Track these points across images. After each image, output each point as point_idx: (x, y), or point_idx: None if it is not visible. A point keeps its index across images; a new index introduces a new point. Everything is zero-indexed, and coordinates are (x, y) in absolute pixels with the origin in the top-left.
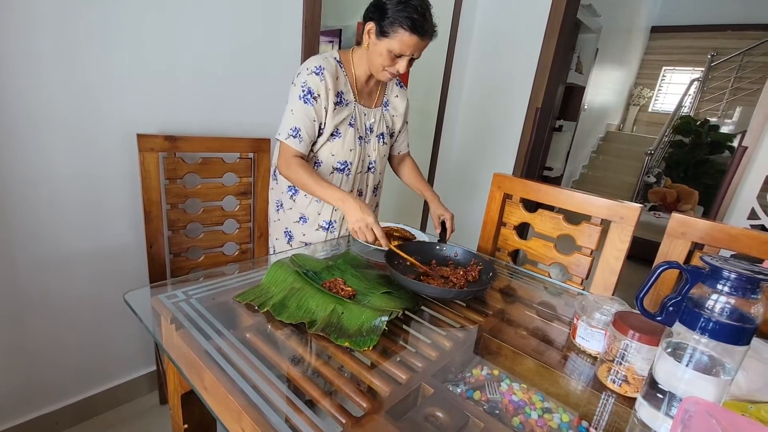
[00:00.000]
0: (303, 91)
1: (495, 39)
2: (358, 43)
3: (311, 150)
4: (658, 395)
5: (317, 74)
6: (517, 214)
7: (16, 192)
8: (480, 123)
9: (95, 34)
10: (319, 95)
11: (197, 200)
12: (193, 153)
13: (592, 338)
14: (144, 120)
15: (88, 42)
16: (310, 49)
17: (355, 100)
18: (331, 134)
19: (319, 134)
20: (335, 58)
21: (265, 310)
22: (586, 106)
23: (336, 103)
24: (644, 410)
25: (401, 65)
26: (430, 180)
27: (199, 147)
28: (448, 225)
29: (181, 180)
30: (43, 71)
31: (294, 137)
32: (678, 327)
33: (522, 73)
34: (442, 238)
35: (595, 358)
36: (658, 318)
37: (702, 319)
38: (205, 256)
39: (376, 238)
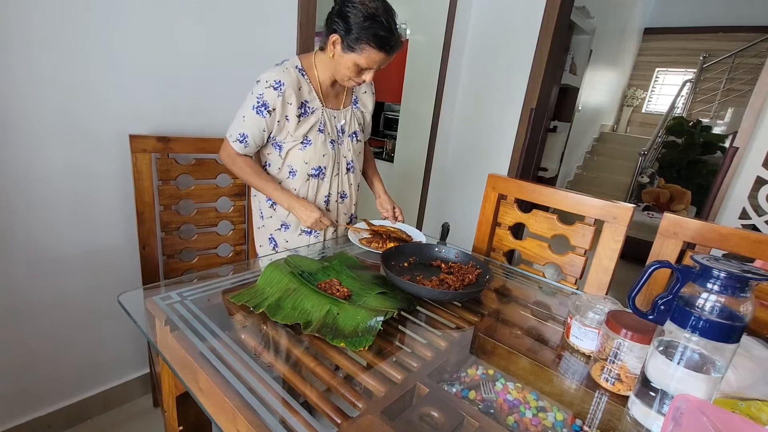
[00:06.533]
0: (258, 102)
1: (490, 40)
2: (322, 49)
3: (282, 157)
4: (651, 393)
5: (275, 89)
6: (512, 215)
7: (7, 192)
8: (475, 124)
9: (89, 34)
10: (273, 110)
11: (191, 201)
12: (187, 154)
13: (585, 337)
14: (136, 120)
15: (82, 41)
16: (305, 50)
17: (322, 105)
18: (301, 142)
19: (268, 140)
20: (296, 67)
21: (261, 311)
22: (580, 107)
23: (300, 115)
24: (637, 408)
25: (367, 77)
26: (426, 181)
27: (192, 148)
28: (399, 216)
29: (174, 181)
30: (36, 71)
31: (240, 142)
32: (669, 325)
33: (516, 74)
34: (443, 238)
35: (589, 357)
36: (650, 317)
37: (693, 318)
38: (199, 257)
39: (371, 238)
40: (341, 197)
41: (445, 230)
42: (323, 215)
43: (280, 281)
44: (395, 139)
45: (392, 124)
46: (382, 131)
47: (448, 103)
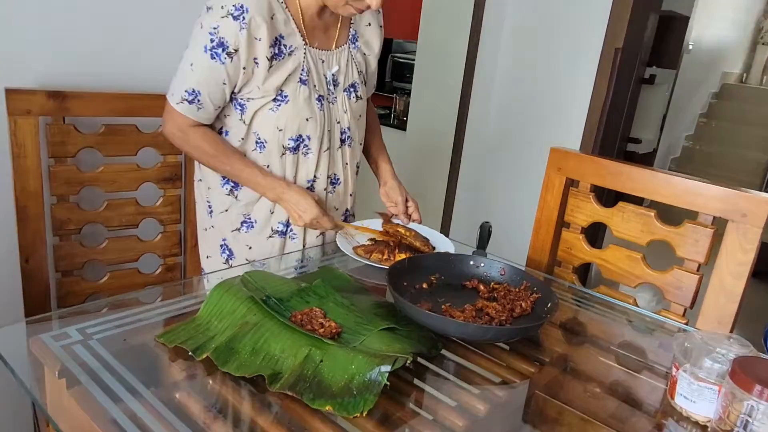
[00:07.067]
0: (212, 41)
1: None
2: None
3: (245, 122)
4: None
5: (236, 19)
6: (587, 210)
7: None
8: (529, 75)
9: None
10: (236, 50)
11: (98, 189)
12: (92, 117)
13: (699, 397)
14: (16, 69)
15: None
16: None
17: (305, 44)
18: (273, 99)
19: (231, 99)
20: None
21: (204, 356)
22: (691, 47)
23: (273, 56)
24: None
25: (373, 0)
26: (455, 160)
27: (100, 108)
28: (413, 213)
29: (73, 159)
30: None
31: (190, 103)
32: None
33: None
34: (481, 246)
35: (705, 427)
36: None
37: None
38: (111, 275)
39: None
40: (332, 183)
41: (485, 234)
42: (323, 214)
43: (234, 311)
44: (408, 95)
45: (404, 72)
46: (389, 83)
47: (490, 40)
